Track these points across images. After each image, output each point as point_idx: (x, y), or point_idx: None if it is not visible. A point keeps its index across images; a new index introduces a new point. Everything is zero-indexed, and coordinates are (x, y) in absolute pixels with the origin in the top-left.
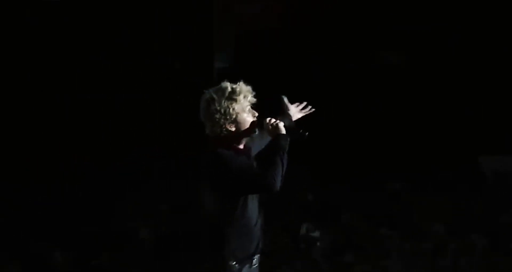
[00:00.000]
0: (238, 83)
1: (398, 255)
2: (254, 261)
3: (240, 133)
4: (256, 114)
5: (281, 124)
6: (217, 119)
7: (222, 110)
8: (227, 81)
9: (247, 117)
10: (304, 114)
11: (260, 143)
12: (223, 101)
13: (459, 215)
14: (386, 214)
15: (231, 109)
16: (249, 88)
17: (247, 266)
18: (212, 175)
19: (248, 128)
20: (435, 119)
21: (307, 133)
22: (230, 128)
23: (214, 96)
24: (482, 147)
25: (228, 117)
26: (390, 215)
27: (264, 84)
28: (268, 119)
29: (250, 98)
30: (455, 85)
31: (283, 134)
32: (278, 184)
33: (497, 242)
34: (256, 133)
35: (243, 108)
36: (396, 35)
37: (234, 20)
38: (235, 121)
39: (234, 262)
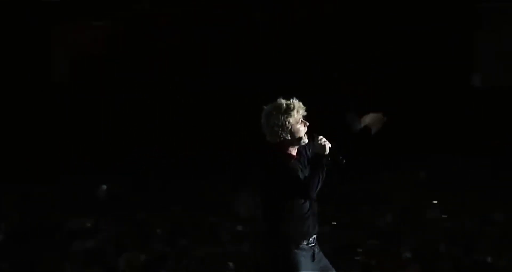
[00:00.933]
0: (291, 100)
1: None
2: (310, 240)
3: (294, 141)
4: (308, 124)
5: (328, 146)
6: (275, 131)
7: (280, 123)
8: (281, 99)
9: (300, 128)
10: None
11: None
12: (280, 116)
13: None
14: None
15: (287, 122)
16: (300, 103)
17: (304, 243)
18: (271, 177)
19: (298, 137)
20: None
21: (344, 161)
22: (286, 137)
23: (273, 111)
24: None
25: (285, 129)
26: None
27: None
28: (320, 137)
29: (302, 111)
30: None
31: (327, 155)
32: (314, 193)
33: None
34: (306, 141)
35: (297, 120)
36: None
37: (69, 46)
38: (290, 132)
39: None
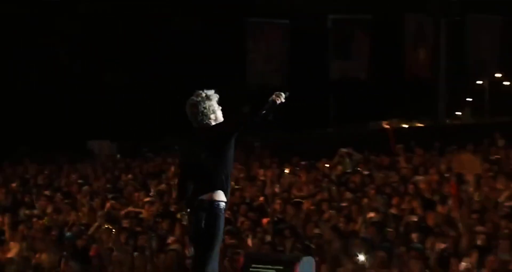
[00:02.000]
0: (204, 90)
1: None
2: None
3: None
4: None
5: (279, 102)
6: (205, 114)
7: (207, 107)
8: (198, 91)
9: (219, 111)
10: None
11: None
12: (206, 102)
13: None
14: None
15: (212, 106)
16: (213, 91)
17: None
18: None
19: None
20: None
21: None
22: (211, 119)
23: (198, 99)
24: None
25: (211, 111)
26: None
27: None
28: (282, 94)
29: (217, 98)
30: None
31: (275, 105)
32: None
33: None
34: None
35: (217, 105)
36: None
37: None
38: (215, 114)
39: None
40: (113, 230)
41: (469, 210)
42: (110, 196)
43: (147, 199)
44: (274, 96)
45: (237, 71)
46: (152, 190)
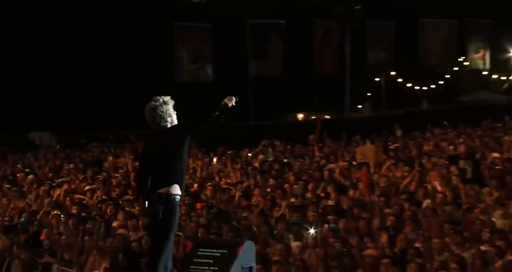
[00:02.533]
0: (161, 96)
1: None
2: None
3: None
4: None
5: (230, 104)
6: (163, 117)
7: (164, 111)
8: (156, 97)
9: (174, 114)
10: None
11: None
12: (164, 106)
13: None
14: None
15: (169, 110)
16: (169, 97)
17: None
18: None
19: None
20: None
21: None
22: (168, 121)
23: (156, 103)
24: None
25: (168, 114)
26: None
27: None
28: (233, 98)
29: (173, 103)
30: None
31: (226, 108)
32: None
33: None
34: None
35: (173, 109)
36: None
37: None
38: (171, 117)
39: None
40: (62, 216)
41: (377, 194)
42: (54, 184)
43: (89, 187)
44: (226, 100)
45: (165, 69)
46: (93, 178)
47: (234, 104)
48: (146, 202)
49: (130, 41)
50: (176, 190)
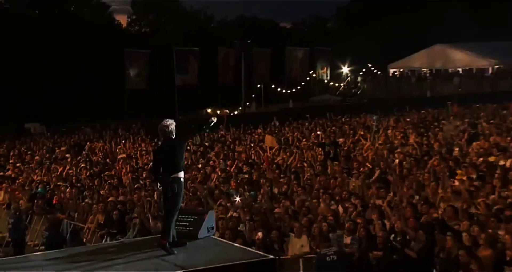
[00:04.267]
0: (168, 119)
1: None
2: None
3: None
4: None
5: (213, 122)
6: (171, 132)
7: (171, 129)
8: (166, 119)
9: (175, 130)
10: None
11: None
12: (171, 126)
13: None
14: None
15: (173, 129)
16: (172, 120)
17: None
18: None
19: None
20: None
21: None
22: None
23: (167, 123)
24: None
25: (173, 131)
26: None
27: None
28: (214, 118)
29: (174, 123)
30: None
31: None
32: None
33: None
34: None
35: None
36: None
37: None
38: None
39: None
40: (67, 186)
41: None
42: (53, 162)
43: (82, 165)
44: (211, 119)
45: (119, 79)
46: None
47: (214, 121)
48: (159, 184)
49: (98, 60)
50: (182, 175)
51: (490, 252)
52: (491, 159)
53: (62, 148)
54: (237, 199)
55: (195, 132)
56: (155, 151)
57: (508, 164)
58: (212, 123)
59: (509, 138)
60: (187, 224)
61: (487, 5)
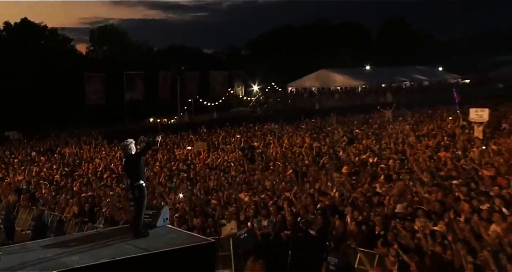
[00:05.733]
0: (129, 139)
1: None
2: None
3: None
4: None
5: (157, 140)
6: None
7: (132, 147)
8: (127, 138)
9: (134, 147)
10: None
11: None
12: (132, 144)
13: None
14: None
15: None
16: (132, 139)
17: None
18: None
19: None
20: None
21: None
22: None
23: (127, 143)
24: None
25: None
26: None
27: None
28: (159, 136)
29: (134, 142)
30: None
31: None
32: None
33: None
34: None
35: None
36: None
37: None
38: (132, 149)
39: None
40: (46, 184)
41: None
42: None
43: (55, 166)
44: (157, 137)
45: (79, 98)
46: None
47: (159, 139)
48: (126, 189)
49: (61, 83)
50: (142, 181)
51: (365, 228)
52: (363, 156)
53: (34, 153)
54: (180, 195)
55: (148, 148)
56: (122, 166)
57: (374, 160)
58: (157, 138)
59: (374, 141)
60: (148, 216)
61: (355, 39)
